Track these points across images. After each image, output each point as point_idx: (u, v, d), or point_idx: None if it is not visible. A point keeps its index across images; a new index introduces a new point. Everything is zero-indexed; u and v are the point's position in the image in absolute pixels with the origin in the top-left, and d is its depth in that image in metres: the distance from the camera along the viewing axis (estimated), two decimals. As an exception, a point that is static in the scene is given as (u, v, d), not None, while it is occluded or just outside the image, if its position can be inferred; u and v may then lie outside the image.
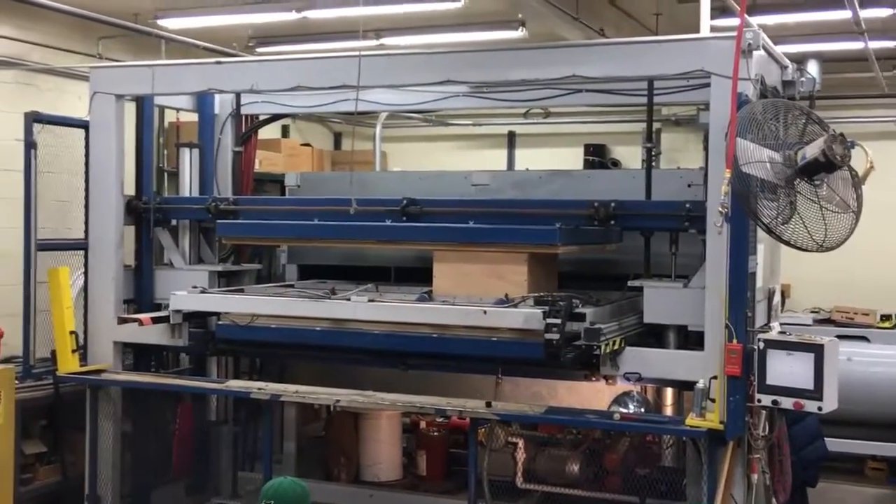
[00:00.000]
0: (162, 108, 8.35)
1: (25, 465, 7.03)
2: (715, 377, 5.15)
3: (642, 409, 6.03)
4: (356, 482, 6.90)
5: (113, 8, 8.18)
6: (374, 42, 9.06)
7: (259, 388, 6.14)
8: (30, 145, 6.55)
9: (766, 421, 5.36)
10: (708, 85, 5.32)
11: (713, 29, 5.81)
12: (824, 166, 4.63)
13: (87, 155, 6.79)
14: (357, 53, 5.73)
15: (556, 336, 5.20)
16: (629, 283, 5.84)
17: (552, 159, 11.66)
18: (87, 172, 6.79)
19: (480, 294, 5.81)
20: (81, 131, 6.79)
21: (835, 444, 7.76)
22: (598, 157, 12.33)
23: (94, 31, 8.55)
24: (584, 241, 5.91)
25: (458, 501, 6.32)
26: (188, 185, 7.24)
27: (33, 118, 6.60)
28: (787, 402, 5.01)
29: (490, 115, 12.28)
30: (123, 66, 7.42)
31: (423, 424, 7.16)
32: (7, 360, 6.91)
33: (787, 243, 4.75)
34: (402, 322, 5.77)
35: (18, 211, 6.68)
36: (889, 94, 10.62)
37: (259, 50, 9.65)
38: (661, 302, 5.61)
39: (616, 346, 5.49)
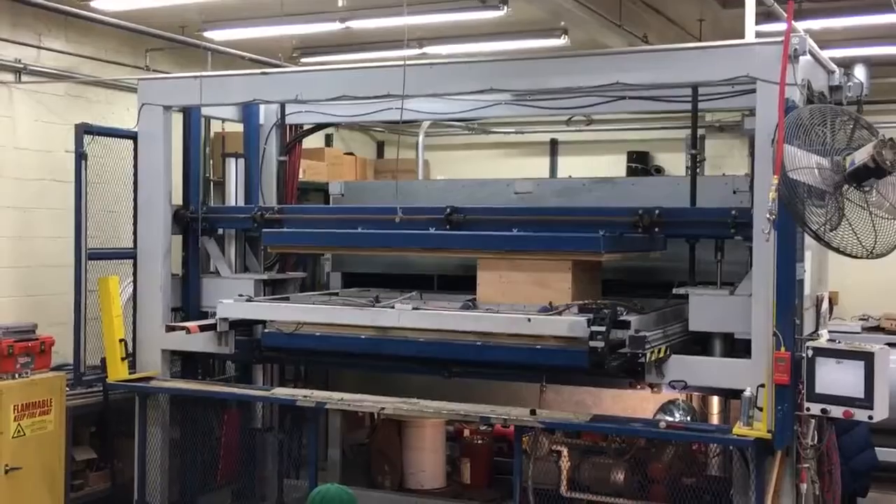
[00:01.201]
0: (208, 119, 8.45)
1: (76, 471, 7.13)
2: (762, 385, 5.10)
3: (688, 418, 5.98)
4: (400, 490, 6.92)
5: (160, 21, 8.31)
6: (416, 51, 9.10)
7: (305, 396, 6.19)
8: (80, 156, 6.69)
9: (815, 430, 5.29)
10: (753, 91, 5.28)
11: (758, 34, 5.76)
12: (874, 172, 4.58)
13: (135, 165, 6.92)
14: (401, 63, 5.77)
15: (600, 344, 5.19)
16: (674, 291, 5.81)
17: (595, 167, 11.62)
18: (135, 182, 6.92)
19: (524, 302, 5.82)
20: (130, 142, 6.92)
21: (885, 454, 7.63)
22: (641, 164, 12.26)
23: (141, 43, 8.69)
24: (628, 248, 5.89)
25: (503, 510, 6.32)
26: (234, 194, 7.34)
27: (83, 129, 6.74)
28: (836, 411, 4.96)
29: (532, 123, 12.25)
30: (171, 78, 7.53)
31: (466, 432, 7.16)
32: (58, 368, 7.02)
33: (836, 250, 4.69)
34: (447, 330, 5.79)
35: (68, 221, 6.81)
36: (938, 98, 10.42)
37: (303, 60, 9.74)
38: (706, 309, 5.57)
39: (661, 354, 5.45)
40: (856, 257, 4.68)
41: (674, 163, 11.99)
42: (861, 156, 4.56)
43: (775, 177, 4.65)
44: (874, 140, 4.63)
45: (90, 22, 7.94)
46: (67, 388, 6.85)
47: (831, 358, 4.96)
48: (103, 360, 6.70)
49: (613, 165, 12.16)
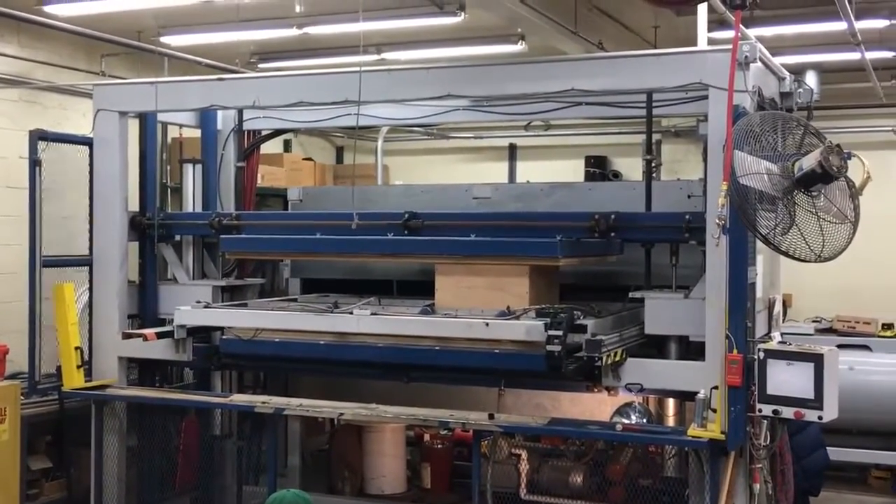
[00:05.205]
0: (165, 125, 8.40)
1: (31, 480, 7.05)
2: (716, 387, 5.18)
3: (644, 420, 6.06)
4: (360, 495, 6.93)
5: (116, 26, 8.24)
6: (374, 57, 9.12)
7: (263, 402, 6.17)
8: (34, 163, 6.61)
9: (768, 430, 5.38)
10: (706, 97, 5.36)
11: (711, 41, 5.86)
12: (821, 177, 4.67)
13: (91, 172, 6.86)
14: (358, 69, 5.78)
15: (557, 348, 5.24)
16: (630, 295, 5.87)
17: (553, 171, 11.68)
18: (91, 189, 6.86)
19: (482, 306, 5.85)
20: (85, 148, 6.86)
21: (837, 454, 7.78)
22: (599, 168, 12.37)
23: (97, 48, 8.62)
24: (585, 253, 5.95)
25: (462, 513, 6.36)
26: (191, 200, 7.29)
27: (38, 136, 6.66)
28: (787, 412, 5.04)
29: (491, 129, 12.33)
30: (126, 84, 7.47)
31: (426, 437, 7.19)
32: (12, 377, 6.93)
33: (785, 254, 4.79)
34: (405, 335, 5.81)
35: (23, 228, 6.74)
36: (887, 103, 10.65)
37: (260, 66, 9.71)
38: (662, 313, 5.64)
39: (617, 358, 5.51)
40: (804, 261, 4.77)
41: (632, 167, 12.10)
42: (808, 162, 4.65)
43: (724, 183, 4.73)
44: (822, 146, 4.72)
45: (44, 27, 7.86)
46: (22, 397, 6.77)
47: (782, 360, 5.04)
48: (59, 369, 6.63)
49: (572, 170, 12.26)
